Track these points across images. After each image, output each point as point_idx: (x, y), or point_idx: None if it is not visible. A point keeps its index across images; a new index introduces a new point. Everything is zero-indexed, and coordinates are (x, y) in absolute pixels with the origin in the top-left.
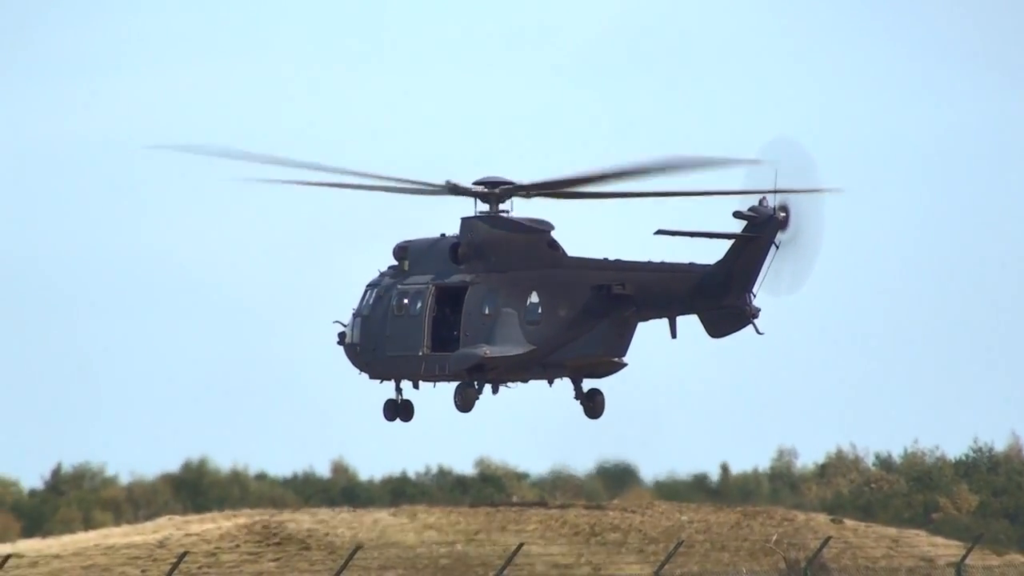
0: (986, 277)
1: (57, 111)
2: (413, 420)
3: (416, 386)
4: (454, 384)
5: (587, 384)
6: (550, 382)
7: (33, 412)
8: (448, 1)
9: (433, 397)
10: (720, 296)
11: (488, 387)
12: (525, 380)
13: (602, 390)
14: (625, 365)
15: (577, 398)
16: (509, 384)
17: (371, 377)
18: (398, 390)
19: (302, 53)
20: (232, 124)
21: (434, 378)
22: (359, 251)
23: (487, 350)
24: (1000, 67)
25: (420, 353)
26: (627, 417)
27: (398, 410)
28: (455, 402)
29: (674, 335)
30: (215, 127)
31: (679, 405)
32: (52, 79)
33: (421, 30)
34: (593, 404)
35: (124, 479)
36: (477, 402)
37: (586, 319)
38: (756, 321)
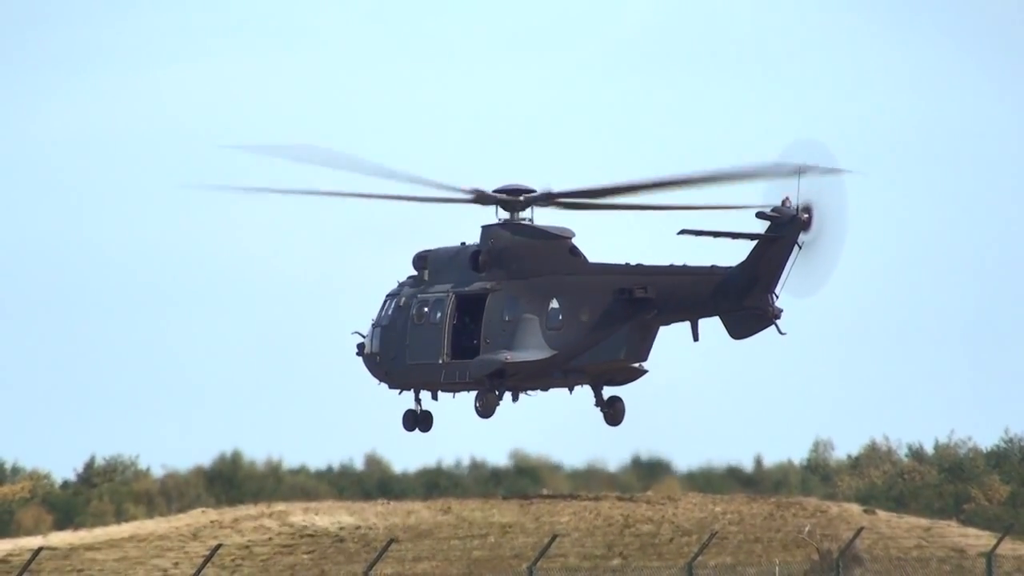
0: (1018, 269)
1: (89, 105)
2: (432, 429)
3: (435, 397)
4: (474, 392)
5: (607, 391)
6: (571, 389)
7: (66, 405)
8: (470, 8)
9: (464, 393)
10: (742, 297)
11: (508, 395)
12: (545, 389)
13: (622, 398)
14: (646, 372)
15: (597, 405)
16: (529, 392)
17: (391, 387)
18: (417, 400)
19: (329, 59)
20: (253, 128)
21: (454, 386)
22: (383, 258)
23: (508, 356)
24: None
25: (440, 361)
26: (661, 409)
27: (417, 420)
28: (476, 408)
29: (696, 338)
30: (238, 133)
31: (715, 398)
32: (71, 74)
33: (443, 35)
34: (613, 411)
35: (157, 472)
36: (498, 408)
37: (607, 323)
38: (778, 322)
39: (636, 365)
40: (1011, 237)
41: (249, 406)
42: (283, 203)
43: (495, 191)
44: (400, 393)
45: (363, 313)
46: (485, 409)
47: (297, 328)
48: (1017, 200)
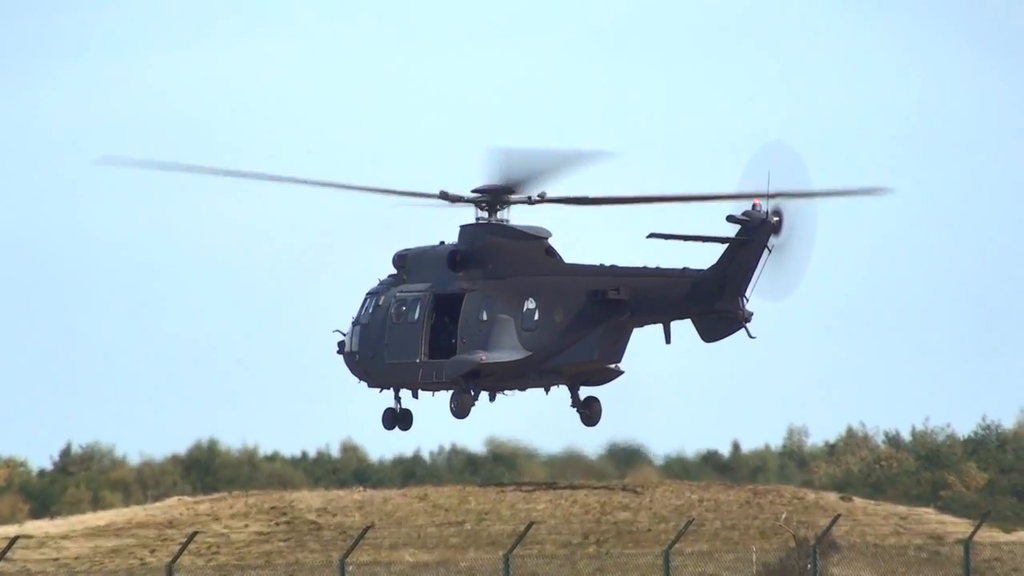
0: (996, 257)
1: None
2: (411, 428)
3: (415, 395)
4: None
5: (584, 392)
6: (547, 390)
7: (43, 393)
8: (443, 4)
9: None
10: (713, 300)
11: (485, 395)
12: (522, 388)
13: (599, 398)
14: (622, 372)
15: (574, 405)
16: (506, 392)
17: (370, 385)
18: (397, 399)
19: (300, 57)
20: (228, 129)
21: (431, 385)
22: (365, 252)
23: (483, 356)
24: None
25: (418, 360)
26: (638, 396)
27: (397, 419)
28: (451, 408)
29: (668, 340)
30: (214, 133)
31: (692, 386)
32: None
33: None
34: (590, 411)
35: (134, 460)
36: (473, 408)
37: (582, 325)
38: (748, 325)
39: (612, 366)
40: (985, 225)
41: (225, 394)
42: (262, 194)
43: (472, 191)
44: (380, 392)
45: (342, 304)
46: (460, 410)
47: (274, 317)
48: (987, 187)
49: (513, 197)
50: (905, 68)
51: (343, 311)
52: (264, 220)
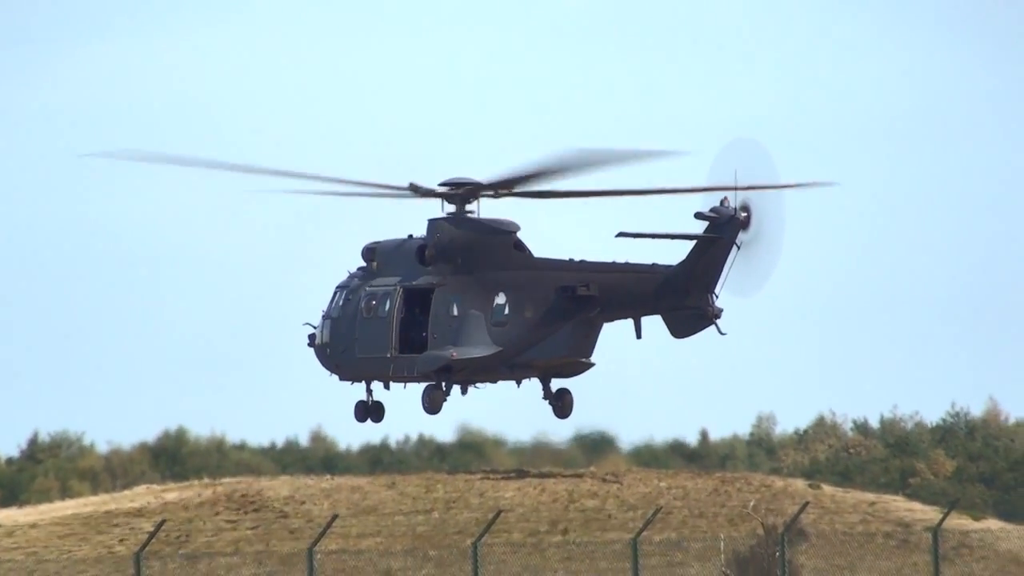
0: (962, 245)
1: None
2: (383, 420)
3: (387, 387)
4: (423, 384)
5: (556, 384)
6: (518, 383)
7: (10, 381)
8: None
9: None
10: (682, 297)
11: (457, 388)
12: (494, 381)
13: (570, 390)
14: (593, 365)
15: (546, 398)
16: (478, 385)
17: (341, 379)
18: (368, 391)
19: (269, 46)
20: (196, 125)
21: (403, 379)
22: (333, 249)
23: (454, 352)
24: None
25: (388, 355)
26: (606, 384)
27: (368, 411)
28: (423, 404)
29: (639, 335)
30: (185, 127)
31: (660, 373)
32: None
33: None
34: (562, 404)
35: (102, 448)
36: (445, 403)
37: (552, 320)
38: (718, 322)
39: (583, 360)
40: (953, 213)
41: (193, 383)
42: (232, 185)
43: (440, 184)
44: (352, 384)
45: (311, 295)
46: (432, 405)
47: (243, 306)
48: (956, 176)
49: (481, 191)
50: (872, 60)
51: (312, 302)
52: (234, 211)
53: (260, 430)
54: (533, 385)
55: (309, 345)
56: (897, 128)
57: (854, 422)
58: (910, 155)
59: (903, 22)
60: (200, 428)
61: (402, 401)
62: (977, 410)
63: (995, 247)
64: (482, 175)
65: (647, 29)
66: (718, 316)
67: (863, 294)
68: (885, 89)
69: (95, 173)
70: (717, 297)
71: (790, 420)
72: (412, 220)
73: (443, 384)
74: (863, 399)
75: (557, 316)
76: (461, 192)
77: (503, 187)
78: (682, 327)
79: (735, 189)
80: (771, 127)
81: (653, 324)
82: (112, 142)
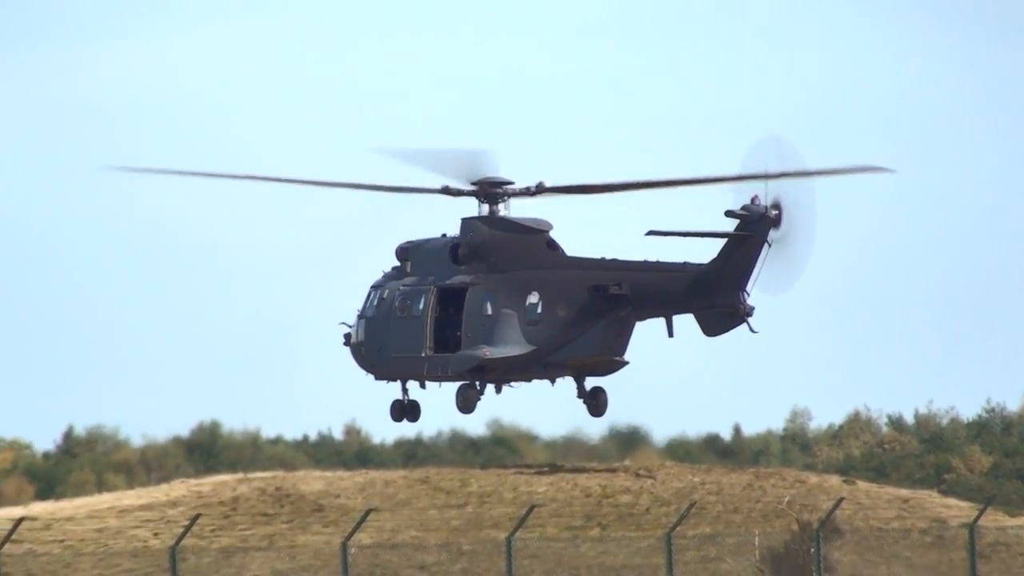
0: (1000, 239)
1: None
2: (420, 419)
3: (422, 386)
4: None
5: (590, 382)
6: (552, 381)
7: (47, 375)
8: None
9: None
10: (713, 295)
11: (491, 387)
12: (528, 380)
13: (604, 388)
14: (626, 363)
15: (580, 397)
16: (512, 384)
17: (376, 378)
18: (404, 391)
19: (301, 48)
20: (233, 124)
21: (437, 378)
22: (368, 248)
23: (487, 351)
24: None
25: (423, 354)
26: (640, 379)
27: (405, 410)
28: (457, 403)
29: (671, 334)
30: (217, 127)
31: (694, 367)
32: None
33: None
34: (596, 402)
35: (137, 442)
36: (479, 402)
37: (584, 319)
38: (750, 320)
39: (616, 358)
40: (989, 207)
41: (228, 376)
42: (268, 186)
43: (473, 183)
44: (387, 383)
45: (346, 293)
46: (466, 405)
47: (278, 302)
48: (991, 170)
49: (512, 189)
50: (899, 53)
51: (347, 301)
52: (271, 209)
53: (294, 424)
54: (567, 382)
55: (345, 344)
56: (931, 119)
57: (889, 417)
58: (946, 146)
59: (936, 14)
60: (234, 422)
61: (435, 395)
62: (1013, 406)
63: None
64: (515, 174)
65: (675, 24)
66: (749, 314)
67: (899, 289)
68: (914, 81)
69: (130, 174)
70: (748, 295)
71: (825, 415)
72: (446, 219)
73: (477, 383)
74: (898, 394)
75: (589, 315)
76: (494, 191)
77: (537, 188)
78: (714, 325)
79: (769, 178)
80: (798, 123)
81: (685, 321)
82: (153, 143)
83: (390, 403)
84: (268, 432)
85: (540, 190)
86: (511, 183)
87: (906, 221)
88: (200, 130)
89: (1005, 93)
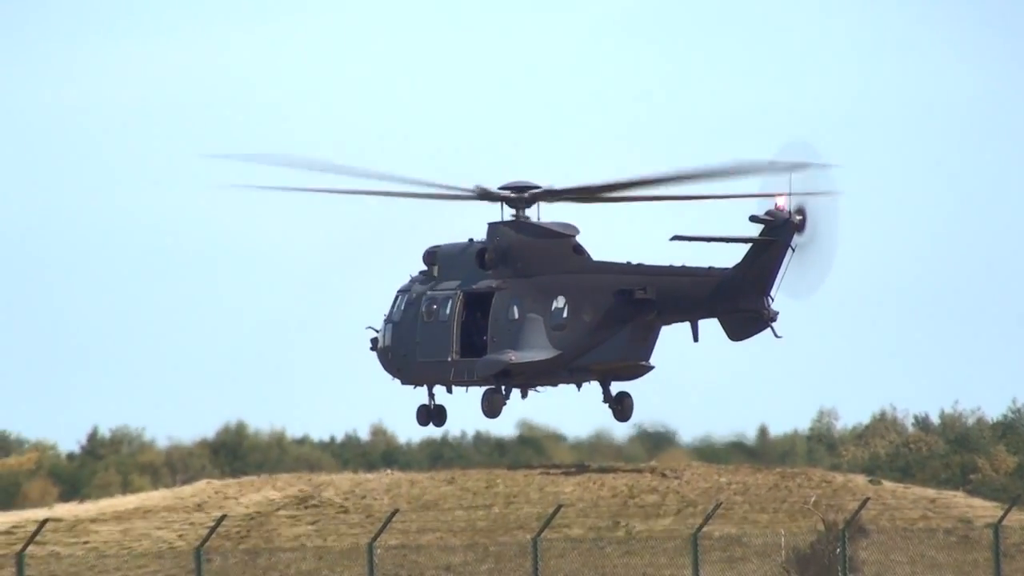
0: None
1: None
2: (446, 423)
3: (449, 390)
4: (482, 390)
5: (616, 387)
6: (578, 386)
7: (72, 376)
8: (472, 4)
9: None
10: (738, 300)
11: (517, 392)
12: (554, 384)
13: (630, 393)
14: (652, 368)
15: (606, 401)
16: (538, 388)
17: (403, 383)
18: (431, 395)
19: (329, 54)
20: (257, 126)
21: (463, 383)
22: (396, 253)
23: (513, 356)
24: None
25: (449, 359)
26: (667, 380)
27: (431, 415)
28: (482, 408)
29: (696, 338)
30: (243, 130)
31: (721, 368)
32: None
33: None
34: (622, 407)
35: (162, 443)
36: (504, 407)
37: (610, 324)
38: (774, 324)
39: (642, 363)
40: (1015, 206)
41: (254, 377)
42: (298, 187)
43: (500, 188)
44: (414, 388)
45: (374, 295)
46: (491, 409)
47: (304, 303)
48: (1017, 166)
49: (539, 192)
50: (925, 59)
51: (374, 302)
52: (298, 211)
53: (320, 425)
54: (593, 386)
55: (372, 349)
56: (955, 123)
57: (915, 417)
58: (969, 149)
59: (961, 21)
60: (260, 423)
61: (462, 396)
62: None
63: None
64: (542, 179)
65: (701, 29)
66: (774, 319)
67: (925, 289)
68: (940, 86)
69: (161, 171)
70: (773, 300)
71: (851, 415)
72: (473, 224)
73: (502, 388)
74: (924, 394)
75: (615, 319)
76: (522, 196)
77: (564, 192)
78: (738, 329)
79: (793, 195)
80: (822, 128)
81: (710, 323)
82: (174, 136)
83: (416, 408)
84: (294, 433)
85: (566, 195)
86: (537, 187)
87: (933, 223)
88: (229, 132)
89: None
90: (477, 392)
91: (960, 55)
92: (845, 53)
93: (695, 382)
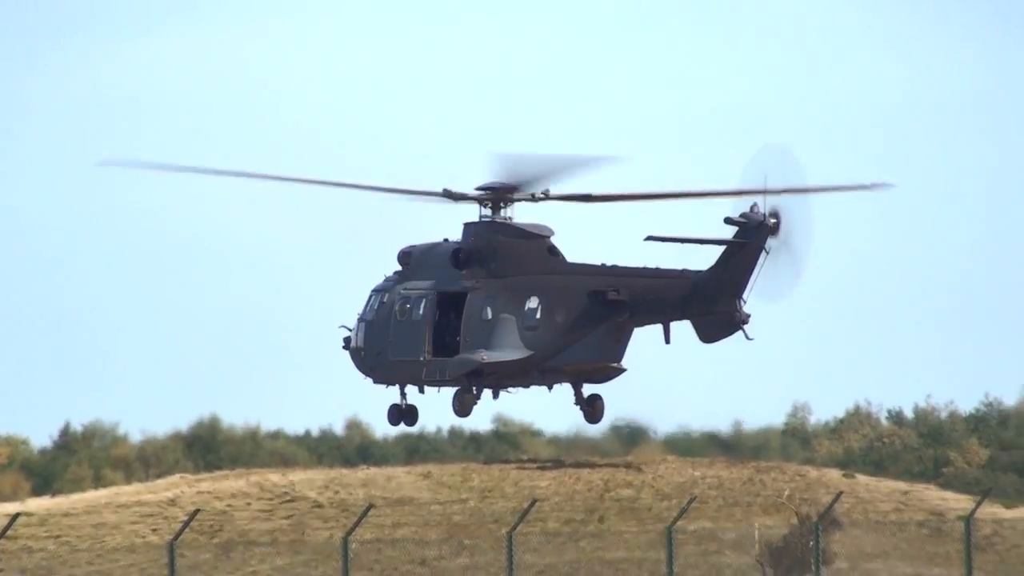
0: (996, 235)
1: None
2: (417, 423)
3: (421, 390)
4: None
5: (587, 389)
6: (550, 387)
7: (44, 370)
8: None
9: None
10: (711, 302)
11: (489, 392)
12: (526, 386)
13: (601, 395)
14: (624, 370)
15: (577, 403)
16: (510, 389)
17: (375, 382)
18: (402, 395)
19: (302, 54)
20: (232, 127)
21: (435, 383)
22: (371, 252)
23: (485, 355)
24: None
25: (421, 358)
26: (641, 375)
27: (402, 415)
28: (453, 407)
29: (668, 340)
30: (218, 129)
31: (695, 362)
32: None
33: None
34: (593, 409)
35: (135, 438)
36: (475, 407)
37: (582, 325)
38: (746, 327)
39: (614, 364)
40: (987, 201)
41: (228, 371)
42: (269, 188)
43: (476, 188)
44: (387, 387)
45: (348, 292)
46: (462, 409)
47: (279, 299)
48: (989, 162)
49: (516, 195)
50: (898, 62)
51: (348, 299)
52: (272, 209)
53: (295, 419)
54: (568, 390)
55: (344, 348)
56: (923, 124)
57: (889, 412)
58: (938, 145)
59: (936, 19)
60: (234, 417)
61: (438, 392)
62: (1011, 400)
63: None
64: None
65: (674, 28)
66: (746, 321)
67: (898, 284)
68: (914, 88)
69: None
70: (745, 302)
71: (825, 410)
72: (448, 224)
73: (474, 388)
74: (898, 389)
75: (588, 321)
76: (496, 196)
77: (539, 192)
78: (710, 332)
79: (768, 193)
80: (798, 130)
81: (681, 325)
82: (154, 139)
83: (388, 407)
84: (268, 427)
85: (545, 197)
86: (513, 188)
87: (905, 219)
88: (204, 127)
89: (997, 95)
90: (451, 390)
91: (934, 56)
92: (815, 54)
93: (670, 377)
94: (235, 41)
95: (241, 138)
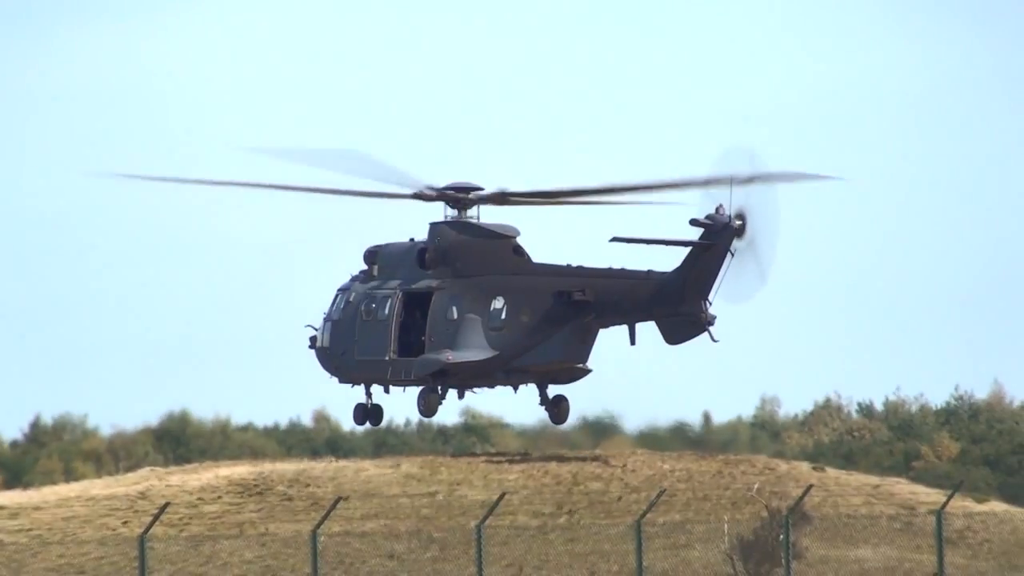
0: (967, 229)
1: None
2: (383, 423)
3: (386, 390)
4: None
5: (552, 390)
6: (515, 388)
7: (13, 363)
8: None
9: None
10: (677, 303)
11: (454, 392)
12: (491, 386)
13: (567, 396)
14: (590, 371)
15: (543, 404)
16: (475, 390)
17: (340, 381)
18: (368, 395)
19: (273, 48)
20: (205, 122)
21: (400, 382)
22: (338, 250)
23: (450, 355)
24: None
25: (387, 358)
26: (610, 368)
27: (368, 414)
28: (418, 407)
29: (633, 341)
30: (194, 127)
31: (664, 356)
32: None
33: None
34: (558, 410)
35: (105, 431)
36: (440, 407)
37: (548, 325)
38: (712, 328)
39: (579, 365)
40: (957, 195)
41: (197, 365)
42: (238, 186)
43: (443, 188)
44: (352, 387)
45: (315, 294)
46: (427, 409)
47: (246, 291)
48: (958, 156)
49: (482, 195)
50: (862, 57)
51: (315, 298)
52: (242, 208)
53: (264, 411)
54: (533, 390)
55: (310, 347)
56: (891, 117)
57: (859, 405)
58: (911, 140)
59: (900, 15)
60: (204, 410)
61: (404, 391)
62: (982, 393)
63: (1000, 231)
64: (484, 180)
65: (648, 29)
66: (711, 323)
67: (868, 277)
68: (880, 83)
69: (102, 158)
70: (711, 304)
71: (794, 403)
72: (415, 223)
73: (438, 388)
74: (868, 382)
75: (553, 321)
76: (463, 196)
77: (506, 194)
78: (676, 333)
79: (730, 182)
80: (764, 131)
81: (646, 327)
82: (128, 142)
83: (353, 407)
84: (238, 420)
85: (507, 196)
86: (480, 188)
87: (874, 213)
88: (172, 130)
89: (971, 88)
90: (417, 389)
91: (896, 54)
92: (783, 54)
93: (638, 370)
94: (208, 34)
95: (214, 138)
